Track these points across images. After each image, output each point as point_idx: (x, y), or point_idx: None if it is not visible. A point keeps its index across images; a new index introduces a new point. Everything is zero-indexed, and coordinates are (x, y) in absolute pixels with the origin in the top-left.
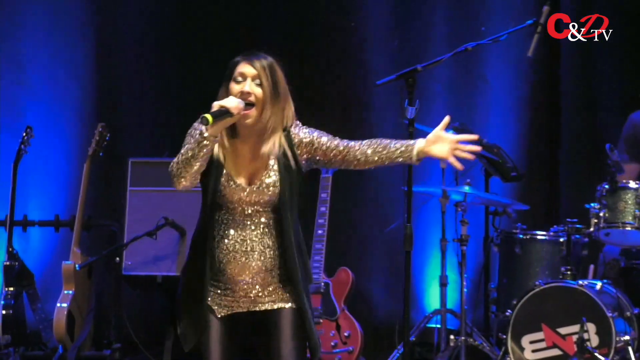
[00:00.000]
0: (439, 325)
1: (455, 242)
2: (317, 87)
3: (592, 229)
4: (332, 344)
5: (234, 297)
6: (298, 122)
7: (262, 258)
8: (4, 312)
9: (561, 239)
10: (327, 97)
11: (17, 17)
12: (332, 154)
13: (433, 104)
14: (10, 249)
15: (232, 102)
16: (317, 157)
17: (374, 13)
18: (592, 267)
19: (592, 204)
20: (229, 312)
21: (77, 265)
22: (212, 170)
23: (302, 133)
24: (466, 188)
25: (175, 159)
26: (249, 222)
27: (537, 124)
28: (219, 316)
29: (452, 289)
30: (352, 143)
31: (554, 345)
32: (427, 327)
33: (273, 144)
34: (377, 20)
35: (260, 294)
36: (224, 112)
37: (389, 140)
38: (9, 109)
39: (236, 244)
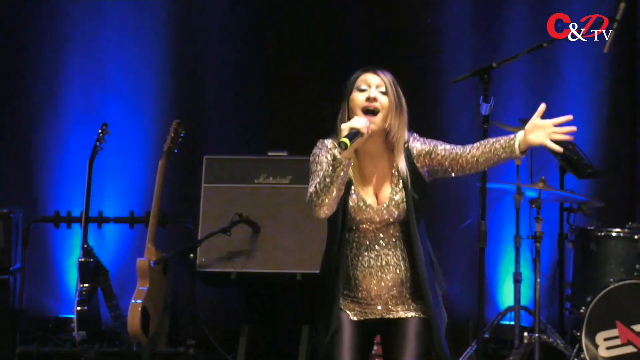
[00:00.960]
0: (512, 322)
1: (530, 239)
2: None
3: None
4: None
5: (369, 306)
6: (414, 134)
7: (397, 271)
8: (79, 308)
9: (636, 236)
10: (403, 93)
11: (97, 13)
12: (447, 162)
13: (509, 100)
14: (86, 246)
15: (360, 122)
16: (435, 167)
17: (450, 9)
18: None
19: None
20: (362, 318)
21: (151, 262)
22: None
23: (420, 144)
24: (541, 185)
25: (311, 189)
26: (380, 238)
27: (614, 121)
28: (353, 319)
29: (526, 286)
30: (464, 148)
31: (629, 342)
32: (501, 324)
33: (401, 160)
34: (454, 17)
35: (393, 304)
36: (356, 134)
37: (494, 139)
38: (86, 105)
39: (371, 260)
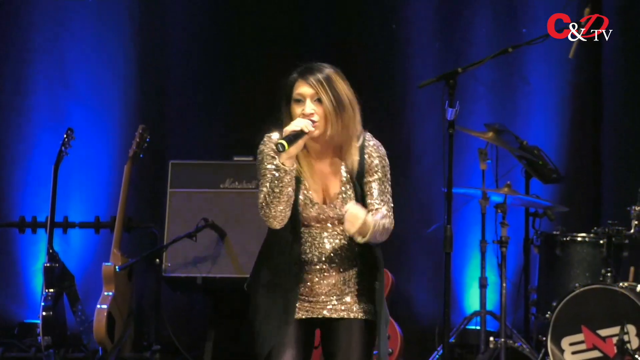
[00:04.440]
0: (478, 327)
1: (495, 243)
2: (359, 89)
3: (632, 231)
4: None
5: (311, 305)
6: (369, 136)
7: (341, 270)
8: (44, 313)
9: (601, 241)
10: (368, 99)
11: (62, 20)
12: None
13: (475, 105)
14: (51, 251)
15: (301, 123)
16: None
17: (415, 15)
18: (632, 269)
19: (633, 206)
20: (304, 317)
21: (117, 267)
22: None
23: (376, 156)
24: (506, 190)
25: (261, 199)
26: (326, 236)
27: (579, 125)
28: (296, 317)
29: (491, 291)
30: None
31: (594, 347)
32: (466, 328)
33: (352, 159)
34: (419, 22)
35: (336, 304)
36: (297, 135)
37: None
38: (52, 111)
39: (314, 257)
